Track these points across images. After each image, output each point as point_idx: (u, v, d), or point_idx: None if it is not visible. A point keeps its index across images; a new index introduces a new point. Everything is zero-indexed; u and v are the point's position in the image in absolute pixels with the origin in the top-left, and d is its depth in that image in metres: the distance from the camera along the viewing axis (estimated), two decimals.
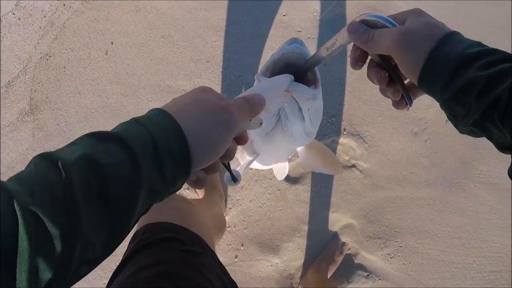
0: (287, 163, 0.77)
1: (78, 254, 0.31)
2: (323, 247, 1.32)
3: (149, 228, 0.65)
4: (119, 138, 0.35)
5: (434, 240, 1.35)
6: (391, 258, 1.34)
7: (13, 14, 1.31)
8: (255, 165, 0.77)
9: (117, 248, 0.36)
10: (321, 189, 1.32)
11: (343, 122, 1.34)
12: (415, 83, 0.45)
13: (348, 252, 1.33)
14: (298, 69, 0.57)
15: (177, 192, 1.28)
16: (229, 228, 1.30)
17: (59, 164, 0.31)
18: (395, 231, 1.34)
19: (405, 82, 0.49)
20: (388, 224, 1.34)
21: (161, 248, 0.61)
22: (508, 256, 1.35)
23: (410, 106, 0.49)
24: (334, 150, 1.33)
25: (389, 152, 1.34)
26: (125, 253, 0.63)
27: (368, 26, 0.46)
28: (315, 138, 0.71)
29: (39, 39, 1.30)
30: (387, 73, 0.47)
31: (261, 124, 0.50)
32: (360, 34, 0.46)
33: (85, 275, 0.34)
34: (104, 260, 0.35)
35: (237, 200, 1.31)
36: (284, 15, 1.34)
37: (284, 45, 0.58)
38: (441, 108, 0.45)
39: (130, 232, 0.37)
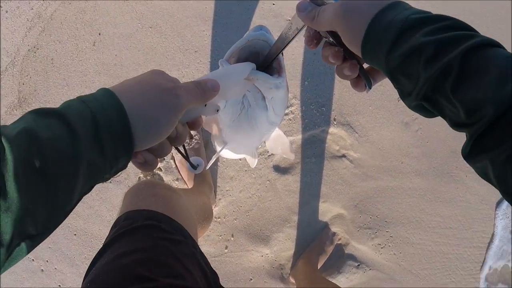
0: (256, 152, 0.78)
1: (17, 228, 0.32)
2: (313, 238, 1.31)
3: (130, 215, 0.65)
4: (60, 113, 0.35)
5: (425, 230, 1.34)
6: (381, 248, 1.33)
7: (0, 6, 1.31)
8: (228, 154, 0.77)
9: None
10: (311, 179, 1.31)
11: (333, 112, 1.33)
12: (360, 55, 0.43)
13: (339, 242, 1.33)
14: (264, 58, 0.56)
15: (165, 182, 1.28)
16: (219, 219, 1.30)
17: (2, 139, 0.32)
18: (385, 221, 1.33)
19: (365, 67, 0.47)
20: (379, 214, 1.33)
21: (141, 235, 0.61)
22: None
23: (369, 88, 0.47)
24: (324, 140, 1.32)
25: (380, 142, 1.33)
26: (106, 239, 0.63)
27: (317, 5, 0.45)
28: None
29: (27, 31, 1.30)
30: (341, 48, 0.46)
31: (217, 111, 0.49)
32: (307, 12, 0.45)
33: (29, 250, 0.34)
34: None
35: (227, 190, 1.31)
36: (274, 4, 1.32)
37: (250, 32, 0.57)
38: (392, 83, 0.42)
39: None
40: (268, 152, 1.30)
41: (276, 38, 0.54)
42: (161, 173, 1.30)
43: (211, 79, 0.47)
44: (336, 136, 1.32)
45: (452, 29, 0.36)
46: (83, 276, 0.58)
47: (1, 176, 0.31)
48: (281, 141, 0.80)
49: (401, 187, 1.34)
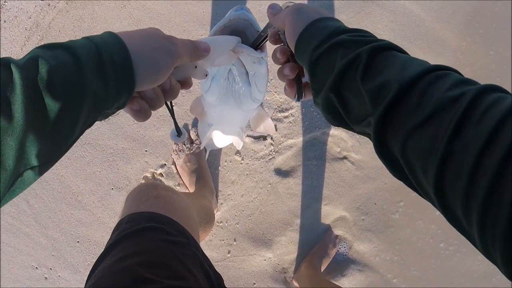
0: (242, 133, 0.80)
1: (21, 155, 0.32)
2: (316, 241, 1.31)
3: (132, 217, 0.65)
4: (66, 46, 0.37)
5: (430, 232, 1.33)
6: (385, 250, 1.32)
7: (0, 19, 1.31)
8: (218, 141, 0.81)
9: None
10: (313, 182, 1.31)
11: None
12: (293, 49, 0.48)
13: (342, 245, 1.32)
14: (256, 39, 0.60)
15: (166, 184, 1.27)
16: (221, 224, 1.30)
17: (11, 66, 0.33)
18: (388, 223, 1.32)
19: (304, 81, 0.53)
20: (381, 216, 1.32)
21: (143, 238, 0.61)
22: None
23: (298, 100, 0.53)
24: (324, 142, 1.31)
25: None
26: (108, 242, 0.63)
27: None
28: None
29: (25, 40, 1.30)
30: (289, 48, 0.51)
31: (206, 75, 0.53)
32: (273, 11, 0.53)
33: (30, 182, 0.35)
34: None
35: (228, 195, 1.30)
36: None
37: (231, 11, 0.61)
38: (310, 83, 0.46)
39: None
40: (269, 155, 1.30)
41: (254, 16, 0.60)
42: (162, 179, 1.30)
43: (204, 42, 0.51)
44: (337, 138, 1.31)
45: (370, 37, 0.42)
46: None
47: (8, 100, 0.31)
48: (263, 119, 0.84)
49: (403, 188, 1.32)
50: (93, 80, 0.37)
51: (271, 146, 1.29)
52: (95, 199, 1.30)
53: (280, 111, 1.29)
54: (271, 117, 1.29)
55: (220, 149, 1.30)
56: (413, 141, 0.31)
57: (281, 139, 1.30)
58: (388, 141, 0.35)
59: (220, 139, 0.79)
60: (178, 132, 0.60)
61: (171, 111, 0.57)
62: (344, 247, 1.32)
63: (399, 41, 1.35)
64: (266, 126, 0.85)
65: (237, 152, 1.30)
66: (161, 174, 1.30)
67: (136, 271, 0.54)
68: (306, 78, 0.53)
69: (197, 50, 0.49)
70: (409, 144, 0.32)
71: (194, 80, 0.55)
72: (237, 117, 0.71)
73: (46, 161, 0.35)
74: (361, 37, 0.41)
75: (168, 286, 0.54)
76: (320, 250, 1.28)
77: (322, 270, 1.27)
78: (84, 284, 0.58)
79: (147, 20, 1.31)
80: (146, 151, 1.30)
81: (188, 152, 1.24)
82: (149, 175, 1.30)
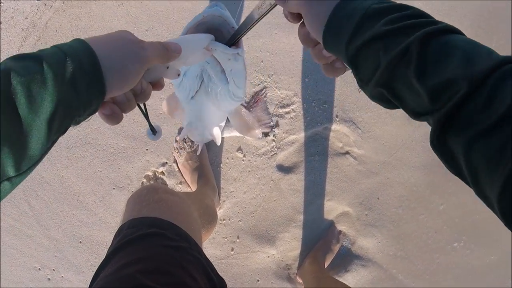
0: (218, 129, 0.78)
1: None
2: (319, 236, 1.30)
3: (133, 223, 0.64)
4: (35, 56, 0.37)
5: (434, 227, 1.33)
6: (388, 245, 1.32)
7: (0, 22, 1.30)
8: (195, 138, 0.80)
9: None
10: (315, 177, 1.30)
11: (335, 109, 1.31)
12: (320, 41, 0.43)
13: (345, 240, 1.31)
14: (233, 35, 0.57)
15: (168, 186, 1.26)
16: (224, 221, 1.29)
17: None
18: (391, 218, 1.32)
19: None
20: (385, 211, 1.31)
21: (145, 244, 0.60)
22: (508, 250, 1.32)
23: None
24: (326, 138, 1.30)
25: (383, 138, 1.31)
26: (109, 248, 0.63)
27: None
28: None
29: (22, 41, 1.29)
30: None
31: (178, 75, 0.52)
32: None
33: (7, 193, 0.36)
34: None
35: (231, 192, 1.29)
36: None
37: (206, 8, 0.59)
38: (352, 72, 0.42)
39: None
40: (271, 152, 1.29)
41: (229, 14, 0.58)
42: (164, 177, 1.29)
43: (175, 42, 0.50)
44: (339, 133, 1.31)
45: (412, 18, 0.36)
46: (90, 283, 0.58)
47: None
48: (244, 116, 0.81)
49: (407, 182, 1.32)
50: (64, 88, 0.38)
51: (273, 142, 1.29)
52: (96, 199, 1.29)
53: (281, 107, 1.28)
54: (272, 113, 1.28)
55: (222, 146, 1.29)
56: (480, 146, 0.30)
57: (283, 135, 1.29)
58: (448, 139, 0.33)
59: (199, 135, 0.78)
60: (153, 130, 0.60)
61: (144, 113, 0.56)
62: (348, 243, 1.32)
63: None
64: (252, 133, 0.82)
65: (239, 149, 1.29)
66: (162, 173, 1.29)
67: (138, 279, 0.53)
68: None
69: (168, 52, 0.48)
70: (474, 148, 0.30)
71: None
72: (214, 116, 0.70)
73: (22, 171, 0.36)
74: (402, 21, 0.36)
75: None
76: (323, 246, 1.28)
77: (325, 266, 1.27)
78: (88, 285, 0.57)
79: (144, 18, 1.30)
80: (147, 149, 1.29)
81: (190, 150, 1.23)
82: (150, 173, 1.29)
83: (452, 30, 0.35)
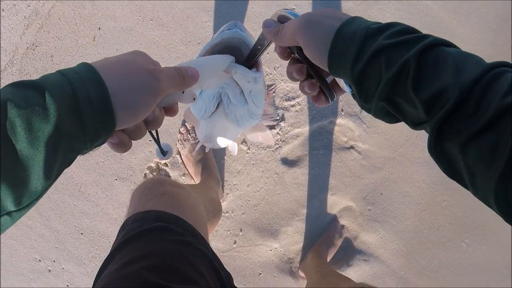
0: (235, 143, 0.78)
1: None
2: (322, 231, 1.30)
3: (138, 217, 0.63)
4: (38, 85, 0.34)
5: (436, 223, 1.33)
6: (390, 240, 1.32)
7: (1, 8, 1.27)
8: (210, 145, 0.78)
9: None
10: (319, 171, 1.29)
11: (340, 103, 1.30)
12: (325, 68, 0.43)
13: (348, 235, 1.31)
14: (249, 56, 0.55)
15: (171, 178, 1.25)
16: (227, 214, 1.29)
17: None
18: (394, 213, 1.32)
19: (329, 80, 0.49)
20: (388, 206, 1.31)
21: (150, 239, 0.59)
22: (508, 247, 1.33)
23: (332, 101, 0.50)
24: (331, 132, 1.30)
25: (388, 133, 1.31)
26: (114, 243, 0.61)
27: (281, 22, 0.48)
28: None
29: (25, 29, 1.27)
30: (304, 64, 0.47)
31: (194, 99, 0.50)
32: (272, 28, 0.48)
33: (7, 227, 0.34)
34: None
35: (234, 185, 1.29)
36: None
37: (224, 29, 0.56)
38: (355, 97, 0.44)
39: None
40: (275, 145, 1.28)
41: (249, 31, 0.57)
42: (167, 169, 1.28)
43: (192, 68, 0.47)
44: (344, 127, 1.30)
45: (407, 33, 0.39)
46: (91, 275, 0.56)
47: None
48: (259, 128, 0.80)
49: (411, 178, 1.32)
50: (69, 122, 0.35)
51: (278, 135, 1.28)
52: (98, 190, 1.28)
53: (286, 100, 1.28)
54: (278, 106, 1.27)
55: None
56: (473, 148, 0.32)
57: (288, 128, 1.28)
58: (444, 145, 0.35)
59: (213, 146, 0.77)
60: (163, 153, 0.58)
61: (155, 138, 0.53)
62: (350, 237, 1.31)
63: None
64: (265, 137, 0.82)
65: (243, 141, 1.28)
66: (165, 164, 1.28)
67: (144, 276, 0.52)
68: (329, 78, 0.50)
69: (184, 79, 0.46)
70: (469, 151, 0.32)
71: None
72: (229, 131, 0.68)
73: (23, 206, 0.34)
74: (401, 37, 0.38)
75: None
76: (326, 240, 1.28)
77: (328, 260, 1.27)
78: (88, 276, 0.56)
79: (149, 7, 1.28)
80: (150, 140, 1.27)
81: (193, 141, 1.22)
82: (153, 165, 1.28)
83: (444, 43, 0.37)
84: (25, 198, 0.33)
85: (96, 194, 1.28)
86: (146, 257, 0.55)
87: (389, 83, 0.37)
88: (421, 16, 1.32)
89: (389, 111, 0.40)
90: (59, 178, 0.38)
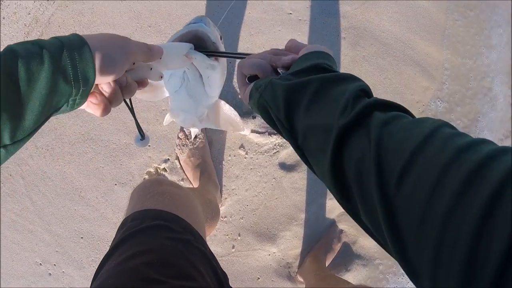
0: (198, 121, 0.87)
1: None
2: (320, 235, 1.30)
3: (137, 215, 0.64)
4: (35, 42, 0.44)
5: None
6: None
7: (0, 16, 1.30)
8: (173, 121, 0.89)
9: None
10: None
11: None
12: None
13: (346, 239, 1.31)
14: (213, 52, 0.66)
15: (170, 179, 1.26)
16: (226, 218, 1.29)
17: None
18: None
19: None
20: None
21: (149, 236, 0.60)
22: None
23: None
24: None
25: None
26: (113, 240, 0.62)
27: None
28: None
29: (25, 36, 1.29)
30: None
31: (161, 77, 0.58)
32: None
33: (3, 160, 0.40)
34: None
35: (233, 189, 1.29)
36: None
37: (191, 22, 0.66)
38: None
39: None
40: (273, 149, 1.28)
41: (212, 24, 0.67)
42: (166, 174, 1.29)
43: (157, 45, 0.57)
44: None
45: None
46: (91, 278, 0.57)
47: None
48: (229, 116, 0.89)
49: None
50: (57, 68, 0.43)
51: (276, 140, 1.28)
52: (98, 195, 1.29)
53: None
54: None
55: (224, 143, 1.29)
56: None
57: None
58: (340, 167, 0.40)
59: (180, 121, 0.87)
60: (142, 135, 0.66)
61: (130, 107, 0.61)
62: (349, 242, 1.31)
63: (404, 33, 1.33)
64: (235, 125, 0.91)
65: (241, 146, 1.28)
66: (164, 169, 1.29)
67: (142, 271, 0.53)
68: None
69: (150, 50, 0.54)
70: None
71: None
72: (192, 108, 0.79)
73: (17, 140, 0.40)
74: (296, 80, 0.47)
75: (176, 286, 0.53)
76: (324, 244, 1.27)
77: (326, 265, 1.27)
78: (88, 280, 0.57)
79: (147, 14, 1.29)
80: (149, 146, 1.29)
81: (192, 146, 1.23)
82: (152, 170, 1.29)
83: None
84: (19, 133, 0.40)
85: (96, 199, 1.30)
86: (145, 253, 0.56)
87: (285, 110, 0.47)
88: (419, 19, 1.32)
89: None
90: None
